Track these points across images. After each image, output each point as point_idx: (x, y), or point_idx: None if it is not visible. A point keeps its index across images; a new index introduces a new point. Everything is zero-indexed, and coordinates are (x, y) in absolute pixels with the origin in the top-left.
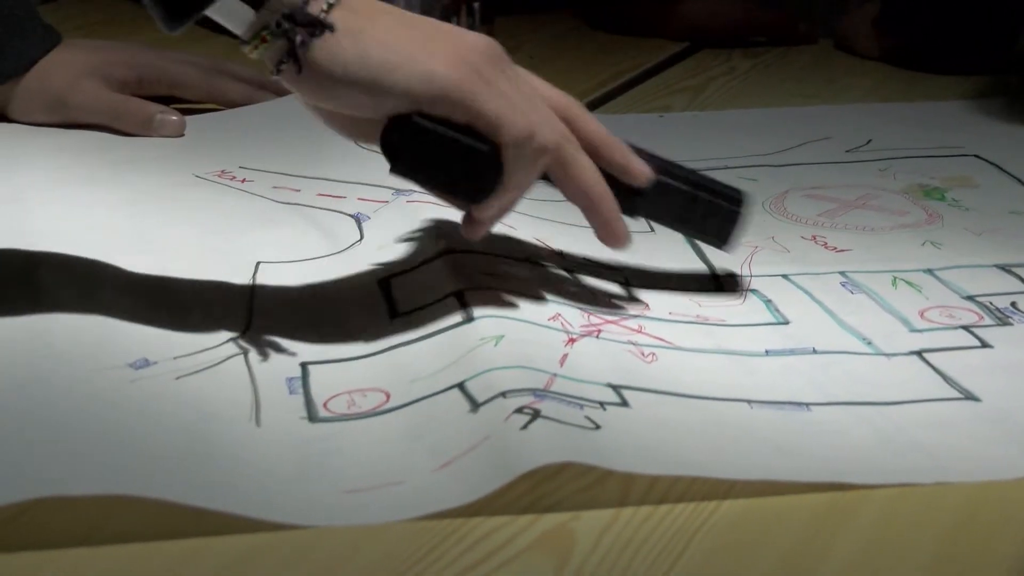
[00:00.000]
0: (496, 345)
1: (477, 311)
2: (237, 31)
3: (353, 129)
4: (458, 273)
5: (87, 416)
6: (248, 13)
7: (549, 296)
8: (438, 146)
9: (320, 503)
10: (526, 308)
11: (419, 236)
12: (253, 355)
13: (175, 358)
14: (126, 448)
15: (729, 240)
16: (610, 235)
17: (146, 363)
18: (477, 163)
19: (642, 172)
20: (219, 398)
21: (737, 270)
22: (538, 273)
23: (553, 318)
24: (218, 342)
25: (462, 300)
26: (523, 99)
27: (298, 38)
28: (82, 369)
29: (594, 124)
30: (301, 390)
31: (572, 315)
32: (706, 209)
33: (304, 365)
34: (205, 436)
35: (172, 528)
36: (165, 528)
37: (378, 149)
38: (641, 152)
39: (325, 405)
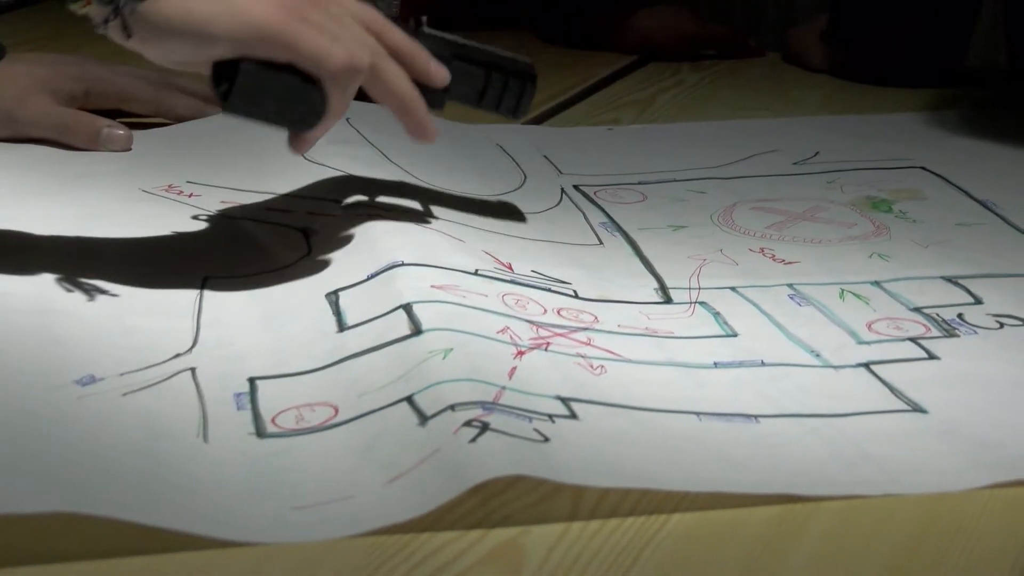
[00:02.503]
0: (445, 358)
1: (426, 324)
2: None
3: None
4: (406, 286)
5: (33, 433)
6: None
7: (498, 309)
8: (265, 87)
9: (270, 520)
10: (475, 321)
11: (367, 249)
12: (200, 371)
13: (122, 374)
14: (73, 466)
15: (520, 111)
16: (421, 132)
17: (92, 380)
18: (302, 97)
19: (440, 75)
20: (166, 415)
21: (686, 282)
22: (487, 286)
23: (502, 331)
24: (165, 358)
25: (410, 313)
26: (337, 27)
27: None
28: (28, 386)
29: (398, 34)
30: (249, 406)
31: (521, 328)
32: (501, 86)
33: (252, 380)
34: (152, 453)
35: (121, 546)
36: (114, 546)
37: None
38: (436, 38)
39: (273, 420)
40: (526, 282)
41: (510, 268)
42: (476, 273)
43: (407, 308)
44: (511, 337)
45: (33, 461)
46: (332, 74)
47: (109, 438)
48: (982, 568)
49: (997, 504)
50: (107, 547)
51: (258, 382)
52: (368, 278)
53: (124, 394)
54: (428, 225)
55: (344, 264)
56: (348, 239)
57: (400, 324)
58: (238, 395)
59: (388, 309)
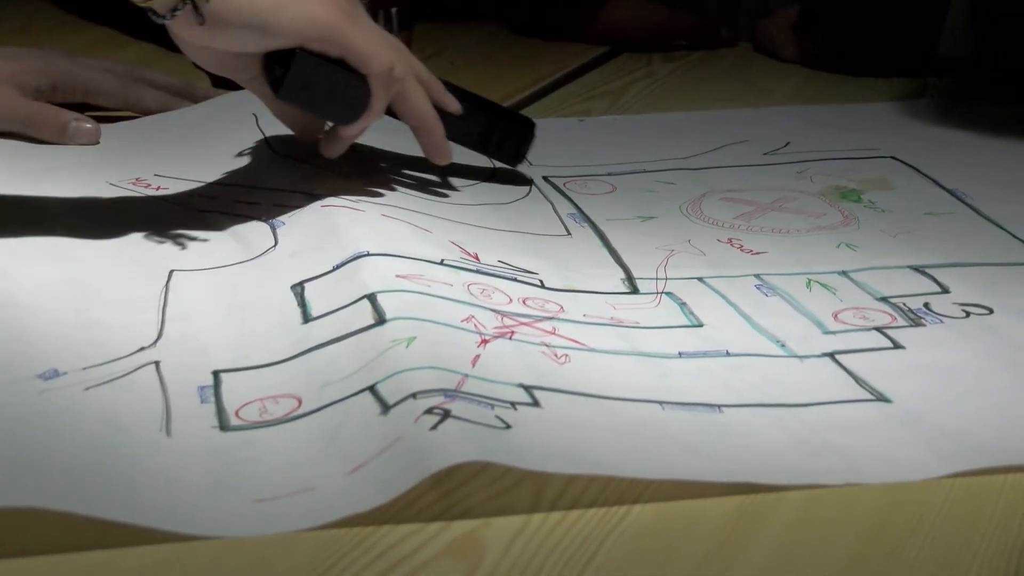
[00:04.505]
0: (408, 347)
1: (389, 313)
2: None
3: (228, 65)
4: (371, 276)
5: None
6: None
7: (463, 298)
8: (316, 78)
9: (230, 514)
10: (439, 310)
11: (333, 240)
12: (164, 364)
13: (85, 368)
14: (33, 461)
15: (519, 158)
16: (438, 152)
17: (55, 374)
18: (350, 90)
19: (455, 104)
20: (129, 409)
21: (653, 273)
22: (452, 276)
23: (466, 320)
24: (129, 351)
25: (375, 303)
26: (382, 37)
27: None
28: None
29: (419, 63)
30: (213, 399)
31: (485, 317)
32: (502, 134)
33: (216, 373)
34: (114, 448)
35: (76, 541)
36: (69, 541)
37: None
38: (451, 87)
39: (237, 413)
40: (492, 272)
41: (476, 258)
42: (442, 263)
43: (371, 298)
44: (475, 326)
45: None
46: (378, 72)
47: (70, 433)
48: (943, 558)
49: (958, 494)
50: (63, 542)
51: (222, 375)
52: (333, 269)
53: (87, 388)
54: (394, 216)
55: (310, 256)
56: (314, 231)
57: (364, 314)
58: (202, 388)
59: (352, 299)
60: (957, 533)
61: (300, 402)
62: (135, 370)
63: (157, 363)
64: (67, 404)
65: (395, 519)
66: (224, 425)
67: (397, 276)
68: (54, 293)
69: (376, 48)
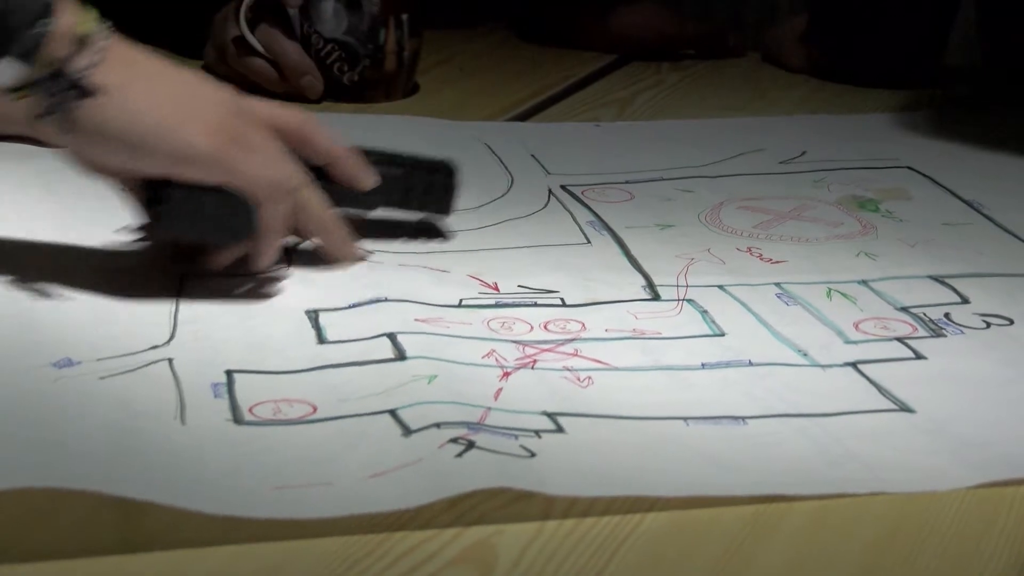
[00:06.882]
0: (429, 383)
1: (410, 352)
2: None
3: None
4: (390, 319)
5: (7, 412)
6: (13, 67)
7: (483, 335)
8: (198, 207)
9: (249, 497)
10: (459, 350)
11: (350, 281)
12: (177, 361)
13: (99, 359)
14: (50, 443)
15: (445, 208)
16: (343, 258)
17: (70, 363)
18: (238, 212)
19: (368, 179)
20: (144, 397)
21: (673, 280)
22: (471, 315)
23: (487, 355)
24: (143, 347)
25: (394, 341)
26: (267, 152)
27: (67, 96)
28: (3, 369)
29: (326, 140)
30: (226, 395)
31: (506, 349)
32: (423, 185)
33: (229, 372)
34: (131, 431)
35: (87, 546)
36: (80, 546)
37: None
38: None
39: (251, 410)
40: (512, 302)
41: (496, 288)
42: (460, 304)
43: (391, 336)
44: (496, 360)
45: (7, 439)
46: (264, 194)
47: (87, 417)
48: (953, 569)
49: (970, 505)
50: (74, 547)
51: (235, 375)
52: (349, 307)
53: (101, 377)
54: (411, 263)
55: (325, 287)
56: (330, 269)
57: (383, 348)
58: (215, 384)
59: (371, 335)
60: (968, 544)
61: (315, 409)
62: (148, 364)
63: (170, 360)
64: (83, 391)
65: (408, 526)
66: (238, 419)
67: (416, 319)
68: (68, 290)
69: (258, 170)
